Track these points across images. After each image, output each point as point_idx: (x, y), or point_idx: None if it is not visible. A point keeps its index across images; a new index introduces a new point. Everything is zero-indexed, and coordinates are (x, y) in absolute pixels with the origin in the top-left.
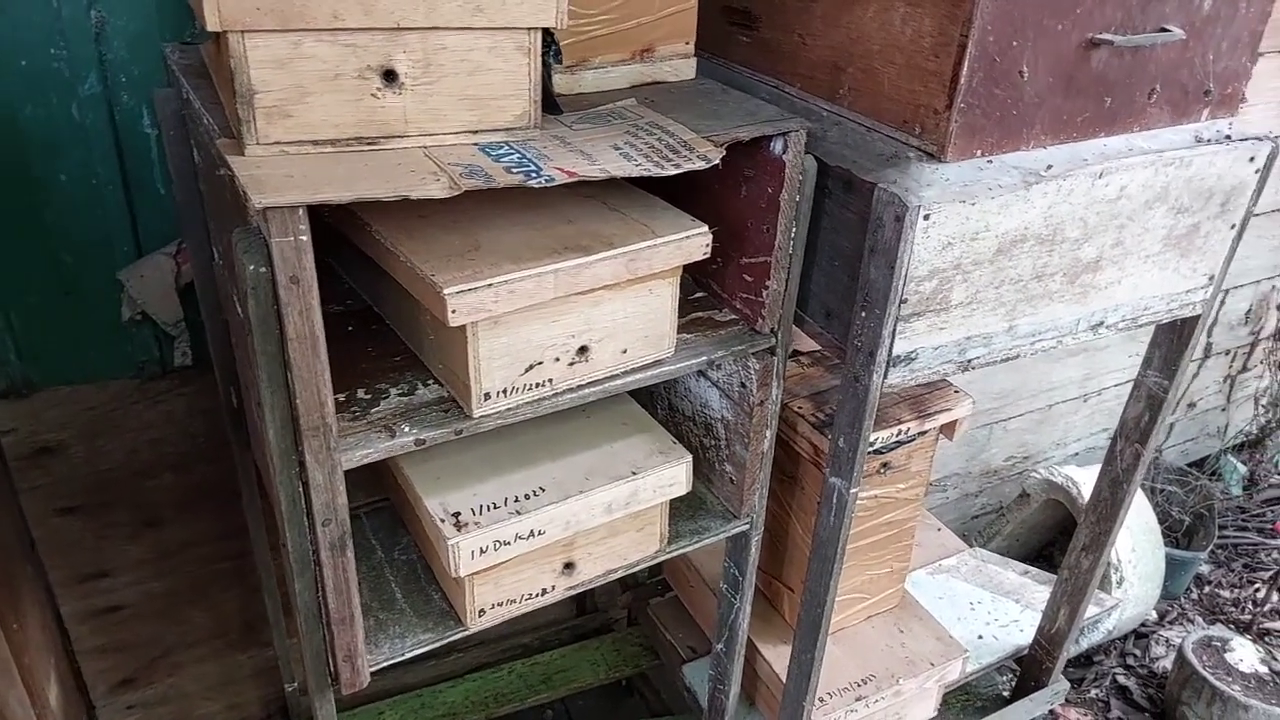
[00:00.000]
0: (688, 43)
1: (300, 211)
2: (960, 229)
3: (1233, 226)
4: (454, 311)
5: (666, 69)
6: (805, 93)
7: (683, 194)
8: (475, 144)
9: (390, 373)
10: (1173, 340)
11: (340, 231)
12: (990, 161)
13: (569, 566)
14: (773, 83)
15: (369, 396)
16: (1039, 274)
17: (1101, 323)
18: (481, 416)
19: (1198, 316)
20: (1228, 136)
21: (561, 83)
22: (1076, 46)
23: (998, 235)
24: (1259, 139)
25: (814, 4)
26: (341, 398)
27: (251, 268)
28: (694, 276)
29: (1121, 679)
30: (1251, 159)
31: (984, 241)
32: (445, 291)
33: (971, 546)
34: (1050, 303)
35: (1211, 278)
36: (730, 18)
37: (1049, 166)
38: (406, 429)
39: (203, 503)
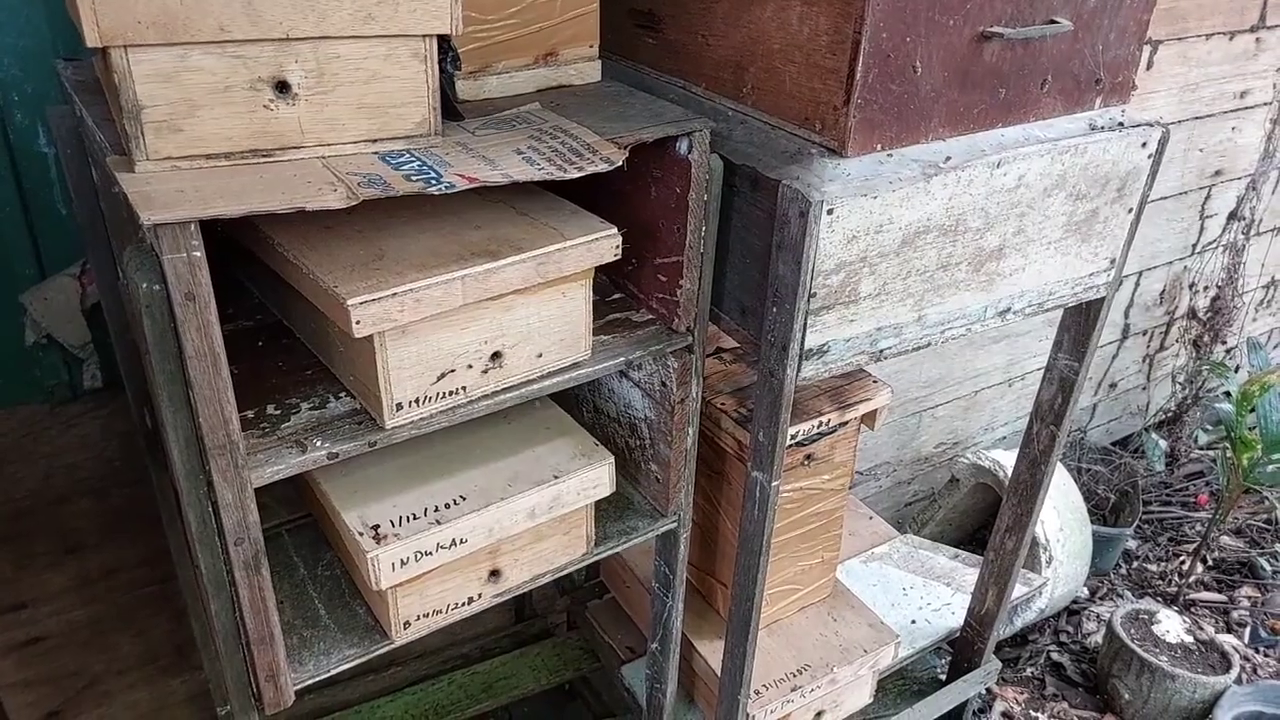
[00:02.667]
0: (591, 46)
1: (192, 227)
2: (864, 222)
3: (1130, 210)
4: (358, 322)
5: (571, 72)
6: (711, 92)
7: (596, 196)
8: (375, 152)
9: (301, 387)
10: (1080, 323)
11: (247, 246)
12: (890, 155)
13: (495, 574)
14: (680, 83)
15: (279, 412)
16: (944, 264)
17: (1009, 309)
18: (394, 427)
19: (1102, 299)
20: (1120, 124)
21: (466, 88)
22: (968, 40)
23: (901, 227)
24: (1150, 125)
25: (715, 5)
26: (251, 414)
27: (145, 286)
28: (611, 278)
29: (1055, 656)
30: (1144, 144)
31: (888, 234)
32: (349, 302)
33: (904, 533)
34: (957, 291)
35: (1113, 261)
36: (636, 20)
37: (948, 158)
38: (318, 443)
39: (123, 527)
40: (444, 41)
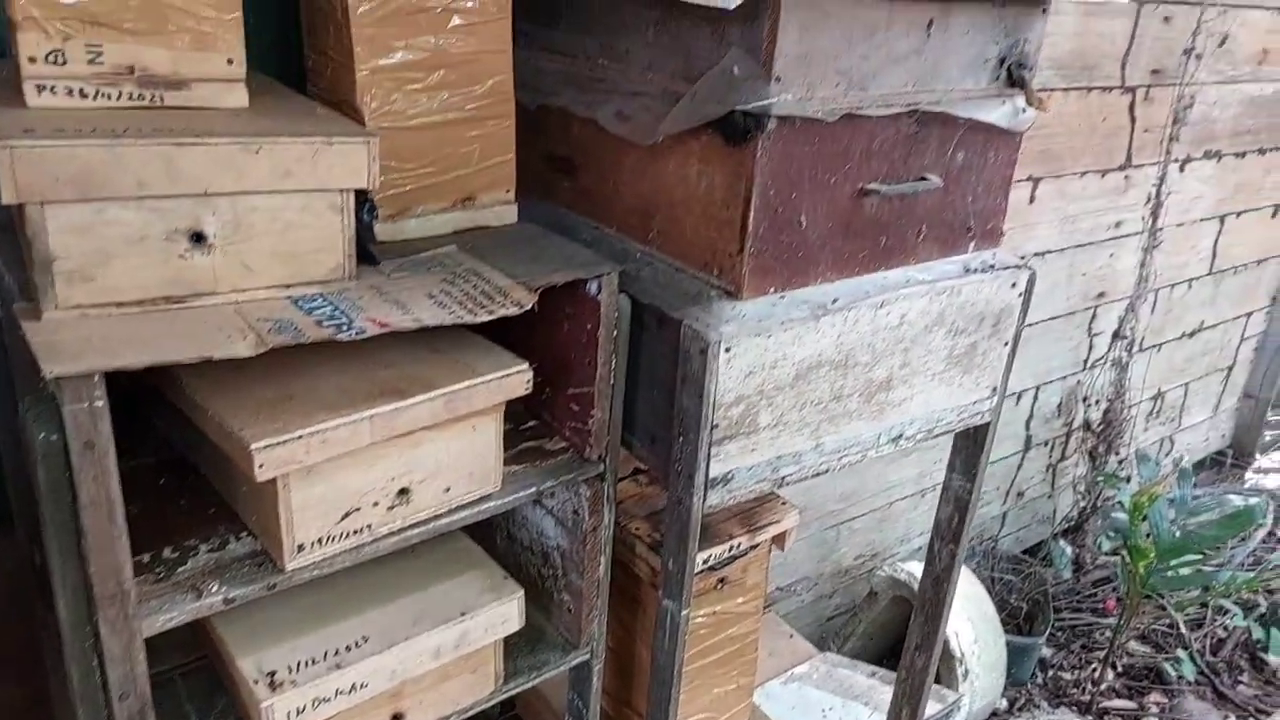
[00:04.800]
0: (508, 191)
1: (96, 377)
2: (760, 359)
3: (1006, 344)
4: (261, 466)
5: (489, 214)
6: (622, 234)
7: (513, 329)
8: (289, 297)
9: (202, 527)
10: (970, 446)
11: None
12: (783, 297)
13: (398, 718)
14: (594, 224)
15: (176, 555)
16: (837, 395)
17: (900, 435)
18: (295, 570)
19: (988, 424)
20: (992, 266)
21: (384, 230)
22: (850, 196)
23: (795, 363)
24: (1018, 267)
25: (624, 157)
26: (146, 558)
27: (42, 436)
28: (526, 405)
29: None
30: (1014, 285)
31: (783, 369)
32: (252, 447)
33: (825, 650)
34: (851, 420)
35: (994, 389)
36: (554, 164)
37: (835, 300)
38: (215, 587)
39: (5, 669)
40: (361, 193)
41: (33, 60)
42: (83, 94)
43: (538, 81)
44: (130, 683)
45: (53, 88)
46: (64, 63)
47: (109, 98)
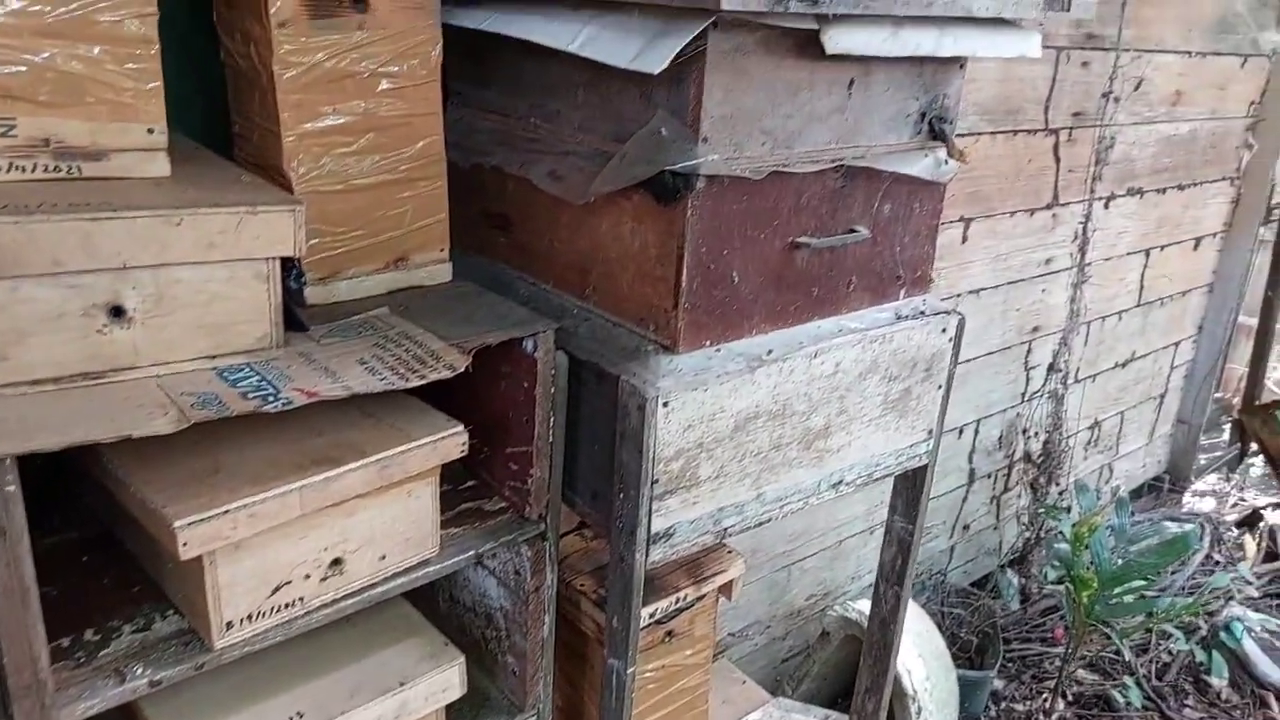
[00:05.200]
0: (442, 250)
1: (8, 461)
2: (697, 412)
3: (939, 387)
4: (185, 544)
5: (423, 274)
6: (559, 290)
7: (451, 388)
8: (214, 369)
9: (126, 606)
10: (910, 488)
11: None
12: (719, 350)
13: None
14: (530, 280)
15: (98, 637)
16: (776, 444)
17: (841, 481)
18: (224, 647)
19: (925, 466)
20: (922, 312)
21: (315, 294)
22: (780, 250)
23: (733, 415)
24: (948, 313)
25: (560, 214)
26: (65, 642)
27: None
28: (465, 465)
29: None
30: (944, 330)
31: (721, 421)
32: (175, 524)
33: (779, 694)
34: (791, 469)
35: (930, 432)
36: (490, 221)
37: (770, 351)
38: (139, 670)
39: None
40: (288, 259)
41: None
42: None
43: (471, 141)
44: None
45: None
46: None
47: (23, 170)
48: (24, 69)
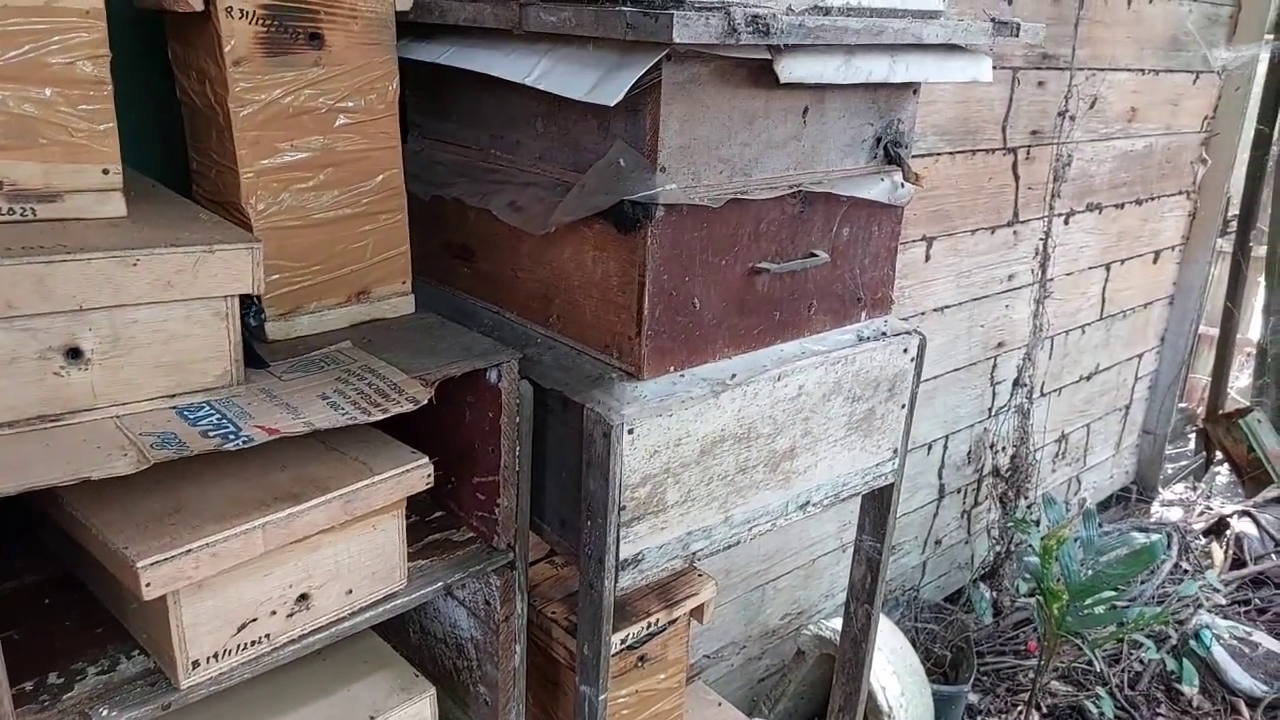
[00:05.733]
0: (404, 282)
1: None
2: (663, 438)
3: (903, 406)
4: (148, 585)
5: (385, 307)
6: (522, 319)
7: (416, 419)
8: (174, 408)
9: (90, 648)
10: (877, 507)
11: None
12: (683, 375)
13: None
14: (494, 309)
15: (62, 680)
16: (743, 467)
17: (808, 502)
18: (191, 687)
19: (892, 484)
20: (884, 333)
21: (276, 329)
22: (741, 275)
23: (698, 439)
24: (909, 333)
25: (521, 244)
26: (29, 686)
27: None
28: (433, 496)
29: None
30: (905, 350)
31: (687, 446)
32: (138, 565)
33: (754, 716)
34: (758, 491)
35: (895, 451)
36: (452, 252)
37: (733, 375)
38: (105, 712)
39: None
40: (247, 297)
41: None
42: None
43: (432, 173)
44: None
45: None
46: None
47: None
48: None
